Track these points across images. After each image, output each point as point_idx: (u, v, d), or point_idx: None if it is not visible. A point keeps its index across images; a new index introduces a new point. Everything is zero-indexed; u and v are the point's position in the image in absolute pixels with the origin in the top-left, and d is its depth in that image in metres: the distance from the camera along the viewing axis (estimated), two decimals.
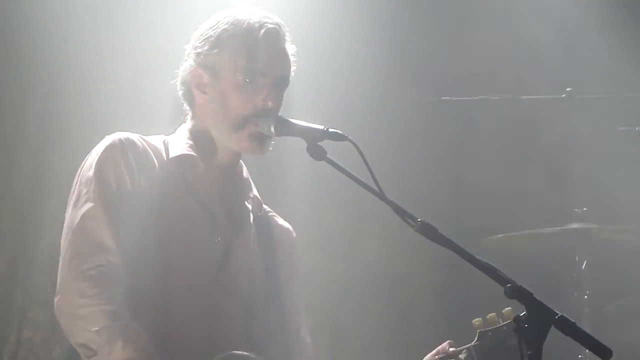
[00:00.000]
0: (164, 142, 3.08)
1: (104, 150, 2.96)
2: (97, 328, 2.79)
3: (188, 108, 3.12)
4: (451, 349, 3.02)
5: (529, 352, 2.31)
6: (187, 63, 3.07)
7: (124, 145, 2.97)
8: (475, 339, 3.08)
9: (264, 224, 3.16)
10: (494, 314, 3.13)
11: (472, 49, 5.81)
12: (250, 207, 3.15)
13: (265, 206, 3.23)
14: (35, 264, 4.70)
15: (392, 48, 5.61)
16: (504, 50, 5.89)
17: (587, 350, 4.60)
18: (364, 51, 5.51)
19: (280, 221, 3.27)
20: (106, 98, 4.77)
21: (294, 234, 3.30)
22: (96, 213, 2.88)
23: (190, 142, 3.05)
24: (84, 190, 2.92)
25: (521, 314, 3.10)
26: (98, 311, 2.80)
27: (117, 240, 2.87)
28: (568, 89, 5.19)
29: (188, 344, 2.91)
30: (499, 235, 4.96)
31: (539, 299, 2.38)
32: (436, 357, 3.02)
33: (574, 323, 2.35)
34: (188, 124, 3.12)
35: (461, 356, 3.05)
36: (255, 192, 3.18)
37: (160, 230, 2.93)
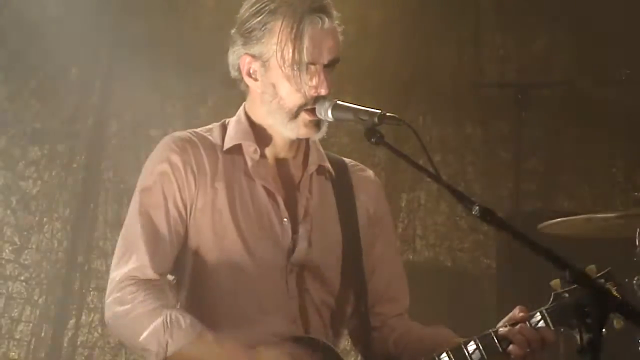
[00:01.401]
0: (222, 129, 3.06)
1: (152, 159, 2.98)
2: (145, 334, 2.81)
3: (245, 87, 3.06)
4: (521, 314, 2.94)
5: (588, 337, 2.29)
6: (236, 48, 2.99)
7: (169, 148, 2.96)
8: (550, 300, 3.03)
9: (343, 185, 3.10)
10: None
11: (531, 33, 5.77)
12: (322, 175, 3.09)
13: (346, 160, 3.16)
14: (92, 250, 4.76)
15: (448, 34, 5.59)
16: (562, 34, 5.84)
17: None
18: (421, 38, 5.50)
19: (364, 174, 3.18)
20: (167, 85, 4.80)
21: (377, 182, 3.20)
22: (135, 226, 2.92)
23: (247, 128, 3.02)
24: (134, 201, 2.97)
25: (601, 273, 3.08)
26: (138, 314, 2.84)
27: (154, 253, 2.90)
28: (627, 71, 5.13)
29: (260, 325, 2.92)
30: (558, 220, 4.92)
31: (599, 283, 2.36)
32: (507, 324, 2.97)
33: (634, 307, 2.33)
34: (245, 105, 3.08)
35: (533, 320, 3.00)
36: (325, 162, 3.09)
37: (226, 224, 2.93)
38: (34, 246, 4.60)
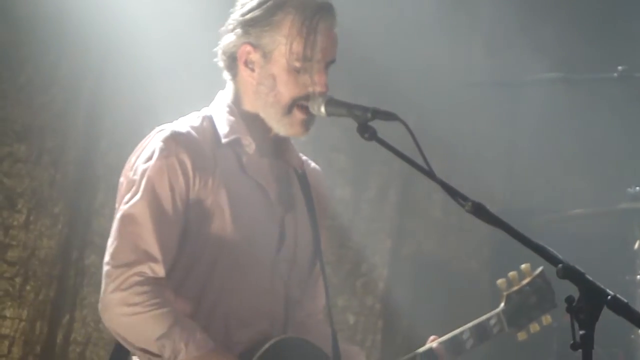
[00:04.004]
0: (209, 121, 3.01)
1: (158, 152, 2.90)
2: (157, 336, 2.78)
3: (229, 78, 3.04)
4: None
5: (581, 332, 2.29)
6: (234, 35, 2.97)
7: (179, 146, 2.91)
8: (503, 303, 3.17)
9: (305, 180, 3.12)
10: (514, 272, 3.27)
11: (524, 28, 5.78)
12: (295, 171, 3.12)
13: (300, 155, 3.17)
14: (87, 246, 4.74)
15: (441, 30, 5.59)
16: (556, 29, 5.85)
17: None
18: (415, 36, 5.50)
19: (312, 166, 3.22)
20: (159, 82, 4.78)
21: (323, 174, 3.25)
22: (145, 220, 2.85)
23: (238, 120, 2.99)
24: (135, 192, 2.89)
25: (537, 272, 3.25)
26: (150, 317, 2.80)
27: (164, 248, 2.85)
28: (620, 68, 5.13)
29: (248, 323, 2.93)
30: (551, 215, 4.92)
31: (591, 279, 2.35)
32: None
33: (626, 303, 2.33)
34: (229, 96, 3.04)
35: (491, 322, 3.19)
36: (301, 159, 3.14)
37: (225, 221, 2.91)
38: (20, 244, 4.57)
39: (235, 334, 2.92)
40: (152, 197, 2.87)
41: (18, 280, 4.54)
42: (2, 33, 4.58)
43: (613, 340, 4.78)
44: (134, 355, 2.92)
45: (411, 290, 5.53)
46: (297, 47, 2.90)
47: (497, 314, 3.21)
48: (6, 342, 4.50)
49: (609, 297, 2.32)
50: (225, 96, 3.05)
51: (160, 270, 2.84)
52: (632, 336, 4.72)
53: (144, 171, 2.90)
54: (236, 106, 3.02)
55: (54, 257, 4.64)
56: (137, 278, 2.82)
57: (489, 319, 3.21)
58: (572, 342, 2.31)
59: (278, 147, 3.06)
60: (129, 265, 2.83)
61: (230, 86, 3.04)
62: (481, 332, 3.22)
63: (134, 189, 2.90)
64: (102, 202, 4.76)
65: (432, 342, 3.16)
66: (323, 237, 3.16)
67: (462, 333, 3.17)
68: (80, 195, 4.74)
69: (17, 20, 4.60)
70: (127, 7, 4.79)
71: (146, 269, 2.83)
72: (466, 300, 5.50)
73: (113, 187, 4.71)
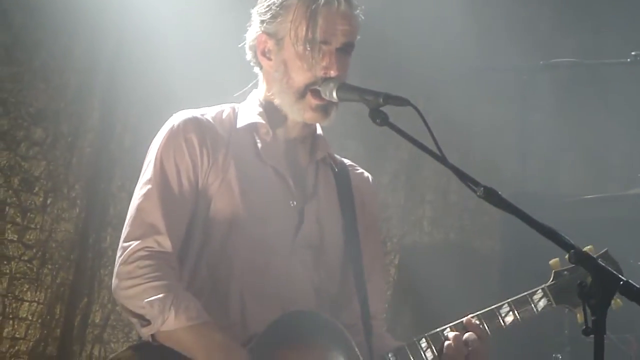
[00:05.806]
0: (233, 111, 3.10)
1: (167, 134, 3.01)
2: (148, 300, 2.85)
3: (258, 72, 3.12)
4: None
5: (593, 318, 2.30)
6: (253, 28, 3.06)
7: (187, 126, 3.00)
8: (551, 278, 3.09)
9: (344, 179, 3.16)
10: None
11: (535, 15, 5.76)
12: (327, 165, 3.15)
13: (344, 160, 3.23)
14: (104, 229, 4.76)
15: (456, 16, 5.59)
16: (566, 15, 5.83)
17: None
18: (428, 19, 5.49)
19: (359, 171, 3.26)
20: (173, 65, 4.79)
21: (373, 183, 3.28)
22: (151, 196, 2.95)
23: (260, 110, 3.07)
24: (146, 173, 3.01)
25: (601, 252, 3.16)
26: (148, 287, 2.87)
27: (170, 221, 2.92)
28: (633, 53, 5.12)
29: (262, 308, 2.95)
30: (562, 200, 4.93)
31: (603, 264, 2.37)
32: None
33: (639, 289, 2.34)
34: (259, 89, 3.13)
35: (535, 297, 3.07)
36: (331, 152, 3.18)
37: (234, 198, 2.96)
38: (38, 227, 4.59)
39: (251, 312, 2.95)
40: (159, 174, 2.97)
41: (36, 263, 4.57)
42: (17, 17, 4.59)
43: (625, 326, 4.79)
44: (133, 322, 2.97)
45: (423, 276, 5.54)
46: (301, 30, 2.95)
47: (542, 289, 3.08)
48: (24, 325, 4.53)
49: (621, 282, 2.33)
50: (256, 91, 3.14)
51: (166, 243, 2.92)
52: None
53: (154, 152, 3.02)
54: (263, 97, 3.09)
55: (72, 240, 4.66)
56: (142, 252, 2.90)
57: (532, 294, 3.07)
58: (584, 327, 2.32)
59: (305, 139, 3.11)
60: (136, 239, 2.92)
61: (260, 79, 3.12)
62: (522, 307, 3.06)
63: (146, 169, 3.02)
64: (118, 185, 4.79)
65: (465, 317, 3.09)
66: (370, 243, 3.17)
67: (499, 308, 3.06)
68: (97, 178, 4.76)
69: (32, 3, 4.60)
70: None
71: (152, 242, 2.91)
72: (477, 286, 5.52)
73: (129, 170, 4.78)
